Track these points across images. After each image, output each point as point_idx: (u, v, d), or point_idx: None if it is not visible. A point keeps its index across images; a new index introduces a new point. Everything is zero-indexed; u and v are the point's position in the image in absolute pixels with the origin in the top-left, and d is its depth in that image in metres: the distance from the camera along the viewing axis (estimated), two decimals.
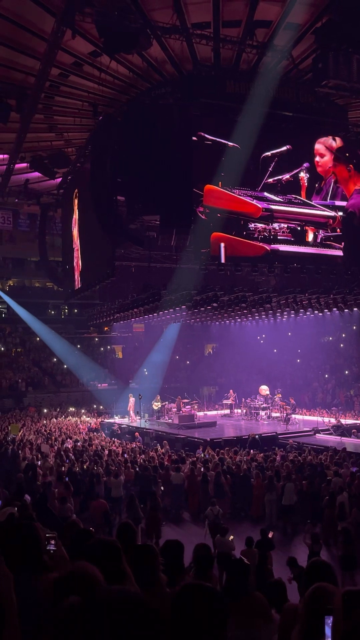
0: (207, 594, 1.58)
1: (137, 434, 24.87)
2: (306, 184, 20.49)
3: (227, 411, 31.56)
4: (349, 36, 15.74)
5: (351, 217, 21.23)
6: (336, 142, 21.03)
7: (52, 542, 3.34)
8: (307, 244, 20.65)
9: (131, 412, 29.33)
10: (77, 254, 25.14)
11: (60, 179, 25.72)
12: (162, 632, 1.43)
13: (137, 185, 18.61)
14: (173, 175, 17.77)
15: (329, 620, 1.75)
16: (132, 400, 29.38)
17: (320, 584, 1.67)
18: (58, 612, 1.60)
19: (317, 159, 20.72)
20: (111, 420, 30.15)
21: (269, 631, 3.82)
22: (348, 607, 1.25)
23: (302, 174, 20.47)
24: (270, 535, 9.56)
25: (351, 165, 21.46)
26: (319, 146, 20.78)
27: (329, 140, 20.95)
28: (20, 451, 19.32)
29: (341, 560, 10.21)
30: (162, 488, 15.32)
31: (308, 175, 20.56)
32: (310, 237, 20.62)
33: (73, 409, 34.24)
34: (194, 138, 18.42)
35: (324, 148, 20.85)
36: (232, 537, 9.83)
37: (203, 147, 18.59)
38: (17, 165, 23.53)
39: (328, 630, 1.78)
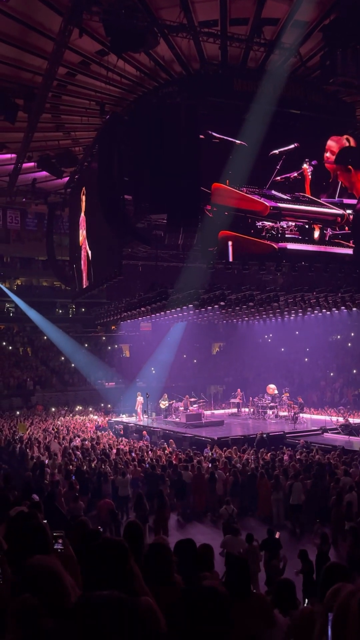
0: (216, 596, 1.57)
1: (144, 432, 24.89)
2: (310, 176, 20.39)
3: (235, 410, 31.51)
4: (357, 33, 15.66)
5: None
6: (349, 143, 20.93)
7: (60, 541, 3.35)
8: (314, 242, 20.57)
9: (139, 410, 29.37)
10: (84, 253, 25.18)
11: (68, 178, 25.77)
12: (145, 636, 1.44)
13: (145, 184, 18.60)
14: (180, 174, 17.74)
15: (330, 618, 1.73)
16: (140, 399, 29.41)
17: (342, 584, 1.65)
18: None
19: (328, 154, 20.62)
20: (118, 419, 30.19)
21: (270, 635, 3.77)
22: None
23: (305, 165, 20.36)
24: (277, 536, 9.54)
25: None
26: (331, 143, 20.68)
27: (342, 139, 20.85)
28: (28, 450, 19.38)
29: (349, 560, 10.16)
30: (168, 487, 15.32)
31: (312, 168, 20.46)
32: (317, 235, 20.54)
33: (80, 408, 34.33)
34: (202, 136, 18.39)
35: (337, 146, 20.75)
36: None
37: (211, 145, 18.57)
38: (25, 165, 23.60)
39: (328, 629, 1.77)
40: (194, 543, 4.29)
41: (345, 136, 20.98)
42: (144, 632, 1.49)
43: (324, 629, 1.49)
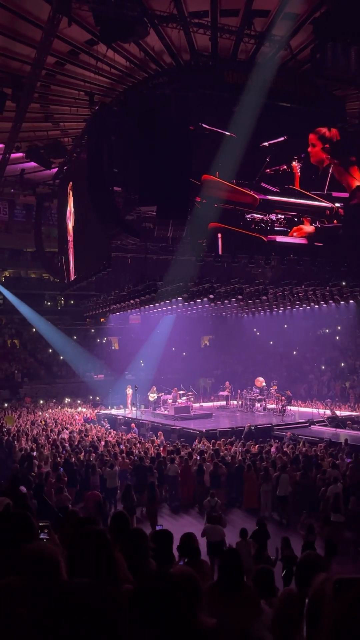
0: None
1: (133, 425, 24.92)
2: (299, 172, 20.41)
3: (223, 403, 31.62)
4: (347, 27, 15.67)
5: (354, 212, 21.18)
6: (330, 132, 20.91)
7: (45, 531, 3.35)
8: (304, 235, 20.62)
9: (129, 403, 29.39)
10: (72, 244, 25.05)
11: (57, 169, 25.57)
12: (115, 624, 1.45)
13: (134, 175, 18.52)
14: (170, 166, 17.68)
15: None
16: (130, 391, 29.43)
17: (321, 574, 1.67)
18: None
19: (310, 148, 20.64)
20: (107, 412, 30.18)
21: (261, 623, 3.83)
22: (338, 594, 1.25)
23: (294, 163, 20.38)
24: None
25: (353, 158, 21.40)
26: (311, 136, 20.69)
27: (322, 130, 20.84)
28: (15, 442, 19.34)
29: (325, 547, 10.32)
30: (156, 478, 15.38)
31: (301, 165, 20.47)
32: (307, 228, 20.59)
33: (69, 400, 34.27)
34: (192, 128, 18.32)
35: (316, 138, 20.77)
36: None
37: (201, 137, 18.50)
38: (13, 155, 23.37)
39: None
40: (171, 534, 4.34)
41: (325, 128, 20.88)
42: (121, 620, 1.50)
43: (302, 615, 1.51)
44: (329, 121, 20.95)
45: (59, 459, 16.26)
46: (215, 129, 18.68)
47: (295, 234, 20.44)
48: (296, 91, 19.60)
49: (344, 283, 23.06)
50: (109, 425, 26.35)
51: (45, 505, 10.81)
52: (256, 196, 19.57)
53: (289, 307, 28.53)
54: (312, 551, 4.21)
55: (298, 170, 20.41)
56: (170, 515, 14.86)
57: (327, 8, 15.67)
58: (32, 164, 24.38)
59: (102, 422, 26.94)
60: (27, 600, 1.69)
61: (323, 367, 34.85)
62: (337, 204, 21.13)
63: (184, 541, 5.10)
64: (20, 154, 23.64)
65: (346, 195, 21.38)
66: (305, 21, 16.67)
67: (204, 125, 18.71)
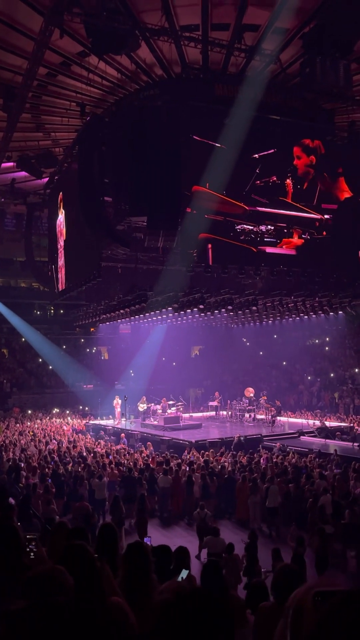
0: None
1: (122, 435, 24.79)
2: (292, 189, 20.61)
3: (213, 413, 31.59)
4: (336, 42, 15.89)
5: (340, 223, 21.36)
6: (313, 143, 21.11)
7: (33, 544, 3.32)
8: (293, 246, 20.76)
9: (117, 413, 29.25)
10: (63, 254, 25.02)
11: (47, 178, 25.60)
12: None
13: (125, 186, 18.59)
14: (161, 177, 17.77)
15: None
16: (117, 401, 29.30)
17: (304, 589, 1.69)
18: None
19: (295, 160, 20.83)
20: (96, 422, 30.03)
21: (242, 635, 3.81)
22: (318, 606, 1.27)
23: (288, 180, 20.58)
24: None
25: (340, 169, 21.63)
26: (296, 148, 20.89)
27: (305, 142, 21.04)
28: (3, 452, 19.16)
29: (316, 560, 10.32)
30: (146, 490, 15.29)
31: (294, 181, 20.67)
32: (296, 239, 20.74)
33: (57, 410, 34.06)
34: (182, 139, 18.43)
35: (301, 150, 20.97)
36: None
37: (191, 148, 18.61)
38: (4, 165, 23.37)
39: None
40: (170, 548, 4.31)
41: (308, 140, 21.06)
42: (106, 634, 1.49)
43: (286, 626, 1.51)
44: (318, 134, 21.18)
45: (46, 470, 16.13)
46: (205, 141, 18.81)
47: (284, 245, 20.57)
48: (286, 104, 19.82)
49: (333, 294, 23.21)
50: (108, 437, 25.92)
51: (33, 517, 10.71)
52: (246, 207, 19.70)
53: (278, 318, 28.65)
54: (288, 564, 4.22)
55: (291, 187, 20.59)
56: (160, 527, 14.76)
57: (316, 23, 15.89)
58: (23, 173, 24.39)
59: (101, 433, 26.40)
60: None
61: (312, 378, 34.97)
62: (326, 216, 21.32)
63: (177, 555, 5.05)
64: (11, 164, 23.64)
65: (335, 207, 21.57)
66: (294, 36, 16.90)
67: (194, 136, 18.84)
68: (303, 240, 20.84)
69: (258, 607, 3.57)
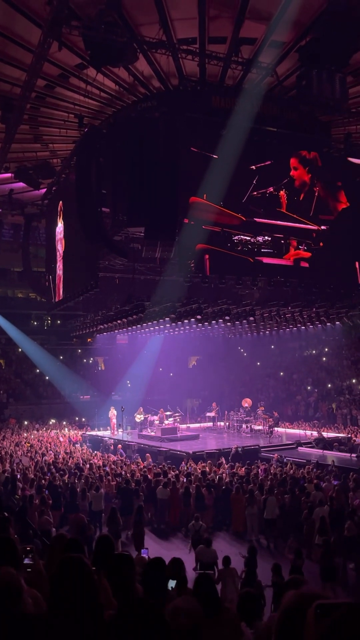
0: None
1: (119, 446, 24.67)
2: (286, 200, 20.72)
3: (210, 424, 31.48)
4: (332, 55, 16.06)
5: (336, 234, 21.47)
6: (310, 155, 21.26)
7: (30, 556, 3.28)
8: (290, 254, 20.83)
9: (112, 424, 29.13)
10: (60, 264, 25.04)
11: (45, 189, 25.68)
12: None
13: (122, 197, 18.65)
14: (158, 188, 17.84)
15: None
16: (113, 412, 29.19)
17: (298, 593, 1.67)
18: None
19: (292, 171, 20.96)
20: (92, 433, 29.89)
21: None
22: (319, 618, 1.25)
23: (282, 191, 20.70)
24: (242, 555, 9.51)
25: (339, 183, 21.78)
26: (292, 160, 21.03)
27: (302, 153, 21.20)
28: (0, 464, 19.03)
29: (320, 571, 10.24)
30: (143, 501, 15.19)
31: (288, 191, 20.78)
32: (293, 249, 20.81)
33: (54, 421, 33.90)
34: (179, 151, 18.52)
35: (297, 161, 21.11)
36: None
37: (188, 159, 18.71)
38: (2, 175, 23.45)
39: None
40: (164, 561, 4.26)
41: (305, 151, 21.21)
42: None
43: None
44: (315, 146, 21.33)
45: (43, 481, 16.02)
46: (202, 152, 18.92)
47: (283, 257, 20.63)
48: (282, 116, 19.97)
49: (330, 305, 23.25)
50: (122, 451, 25.49)
51: (29, 529, 10.62)
52: (243, 218, 19.77)
53: (275, 328, 28.65)
54: (298, 575, 4.17)
55: (286, 198, 20.70)
56: (157, 539, 14.64)
57: (312, 37, 16.06)
58: (21, 184, 24.47)
59: (106, 443, 26.11)
60: None
61: (309, 388, 34.92)
62: (323, 227, 21.41)
63: (171, 568, 5.00)
64: (9, 175, 23.72)
65: (331, 217, 21.68)
66: (291, 49, 17.07)
67: (192, 148, 18.94)
68: (301, 251, 20.90)
69: (264, 622, 3.53)
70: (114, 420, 29.06)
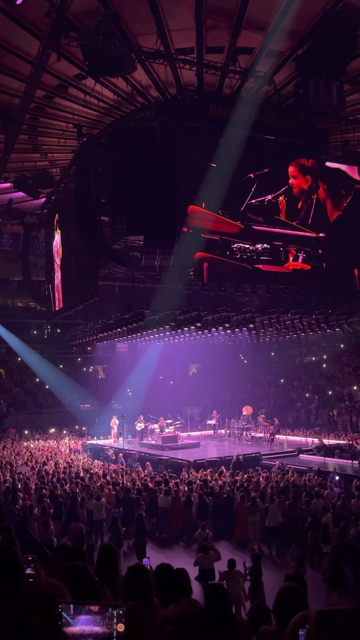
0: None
1: (120, 455, 24.61)
2: (285, 207, 20.80)
3: (211, 432, 31.41)
4: (329, 64, 16.17)
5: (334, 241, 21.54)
6: (308, 163, 21.37)
7: (32, 565, 3.27)
8: (289, 264, 20.88)
9: (114, 433, 29.08)
10: (60, 273, 25.08)
11: (44, 199, 25.77)
12: None
13: (121, 205, 18.71)
14: (157, 197, 17.90)
15: (302, 632, 1.76)
16: (115, 421, 29.13)
17: (307, 612, 1.68)
18: None
19: (291, 180, 21.05)
20: (93, 442, 29.81)
21: None
22: (321, 623, 1.25)
23: (280, 198, 20.78)
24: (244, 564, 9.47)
25: (342, 191, 21.87)
26: (291, 168, 21.12)
27: (301, 161, 21.29)
28: (0, 474, 18.96)
29: (329, 578, 10.19)
30: (144, 510, 15.13)
31: (287, 199, 20.87)
32: (292, 257, 20.87)
33: (54, 430, 33.81)
34: (178, 160, 18.61)
35: (297, 170, 21.20)
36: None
37: (187, 168, 18.79)
38: (1, 185, 23.55)
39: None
40: (172, 567, 4.23)
41: (304, 159, 21.30)
42: None
43: None
44: (312, 153, 21.44)
45: (43, 490, 15.96)
46: (201, 161, 19.01)
47: (282, 264, 20.68)
48: (280, 124, 20.09)
49: (329, 311, 23.27)
50: (114, 456, 25.39)
51: (29, 539, 10.57)
52: (242, 226, 19.84)
53: (275, 335, 28.64)
54: (290, 583, 4.12)
55: (285, 204, 20.79)
56: (158, 548, 14.56)
57: (309, 46, 16.19)
58: (20, 194, 24.56)
59: (108, 453, 25.96)
60: None
61: (309, 396, 34.87)
62: (321, 234, 21.47)
63: (177, 577, 4.92)
64: (8, 184, 23.81)
65: (329, 225, 21.75)
66: (288, 58, 17.19)
67: (190, 157, 19.03)
68: (300, 258, 20.95)
69: (259, 630, 3.48)
70: (115, 429, 28.98)
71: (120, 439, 28.55)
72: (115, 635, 2.09)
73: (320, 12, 15.04)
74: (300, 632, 1.67)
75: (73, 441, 30.33)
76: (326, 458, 22.60)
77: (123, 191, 18.51)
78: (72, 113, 19.37)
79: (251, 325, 24.57)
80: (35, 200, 25.38)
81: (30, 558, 3.31)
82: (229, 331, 25.58)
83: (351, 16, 14.98)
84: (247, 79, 18.10)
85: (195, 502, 15.15)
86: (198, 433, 31.84)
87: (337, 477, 17.94)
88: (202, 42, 16.53)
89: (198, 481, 17.33)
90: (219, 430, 31.11)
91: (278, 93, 18.98)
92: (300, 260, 21.00)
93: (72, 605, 2.13)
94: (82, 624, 2.12)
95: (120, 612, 2.13)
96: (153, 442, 27.11)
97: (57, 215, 24.99)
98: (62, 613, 2.13)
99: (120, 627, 2.11)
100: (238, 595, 9.05)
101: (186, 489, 16.17)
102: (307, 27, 15.76)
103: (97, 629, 2.11)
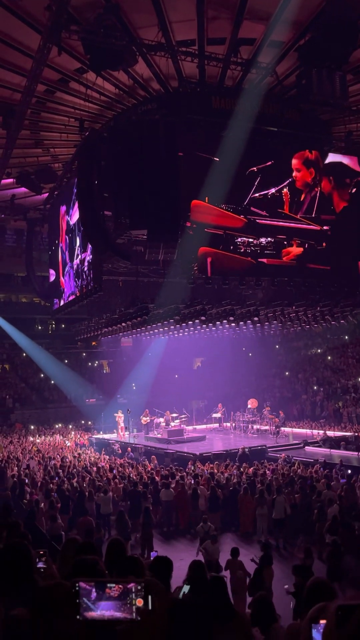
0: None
1: (129, 449, 24.70)
2: (289, 200, 20.71)
3: (216, 425, 31.45)
4: (331, 54, 16.04)
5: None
6: (312, 155, 21.25)
7: (43, 559, 3.29)
8: (293, 257, 20.82)
9: (120, 427, 29.16)
10: (63, 268, 25.05)
11: (47, 194, 25.73)
12: None
13: (124, 200, 18.66)
14: (160, 190, 17.85)
15: (319, 627, 1.75)
16: (120, 415, 29.19)
17: (327, 603, 1.66)
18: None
19: (294, 173, 20.94)
20: (99, 436, 29.90)
21: None
22: (341, 620, 1.25)
23: (285, 189, 20.69)
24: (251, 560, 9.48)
25: (349, 181, 21.75)
26: (295, 161, 21.00)
27: (305, 153, 21.18)
28: (7, 469, 19.06)
29: (328, 571, 10.22)
30: (151, 504, 15.19)
31: (291, 191, 20.77)
32: (296, 249, 20.80)
33: (60, 425, 33.93)
34: (180, 153, 18.54)
35: (300, 162, 21.09)
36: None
37: (190, 162, 18.71)
38: (4, 181, 23.49)
39: (317, 636, 1.78)
40: (170, 561, 4.22)
41: (306, 150, 21.17)
42: None
43: None
44: (316, 145, 21.32)
45: (51, 485, 16.03)
46: (203, 154, 18.93)
47: (284, 257, 20.62)
48: (282, 116, 19.97)
49: (334, 303, 23.21)
50: (120, 450, 25.46)
51: (38, 533, 10.63)
52: (245, 220, 19.77)
53: (280, 328, 28.60)
54: (321, 578, 4.11)
55: (289, 197, 20.71)
56: (163, 541, 14.63)
57: (311, 36, 16.05)
58: (23, 189, 24.51)
59: (114, 447, 26.07)
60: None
61: (315, 387, 34.85)
62: (325, 227, 21.38)
63: (194, 572, 4.85)
64: (10, 180, 23.77)
65: (333, 217, 21.65)
66: (290, 49, 17.05)
67: (192, 150, 18.94)
68: (303, 250, 20.88)
69: (287, 627, 3.46)
70: (122, 424, 29.05)
71: (126, 433, 28.63)
72: (134, 611, 2.14)
73: (323, 2, 14.90)
74: (315, 628, 1.66)
75: (79, 435, 30.44)
76: (332, 450, 22.62)
77: (126, 185, 18.45)
78: (74, 107, 19.29)
79: (255, 318, 24.53)
80: (37, 195, 25.33)
81: (41, 552, 3.33)
82: (233, 324, 25.58)
83: (354, 5, 14.84)
84: (249, 71, 17.97)
85: (203, 494, 15.20)
86: (203, 426, 31.91)
87: (349, 471, 17.93)
88: (204, 34, 16.40)
89: (206, 473, 17.38)
90: (225, 424, 31.15)
91: (281, 84, 18.84)
92: (304, 252, 20.94)
93: (93, 591, 2.18)
94: (103, 609, 2.17)
95: (139, 587, 2.18)
96: (159, 435, 27.19)
97: (60, 210, 24.89)
98: (83, 598, 2.18)
99: (140, 602, 2.15)
100: (240, 584, 9.09)
101: (192, 482, 16.21)
102: (309, 17, 15.61)
103: (118, 614, 2.15)
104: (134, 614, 2.16)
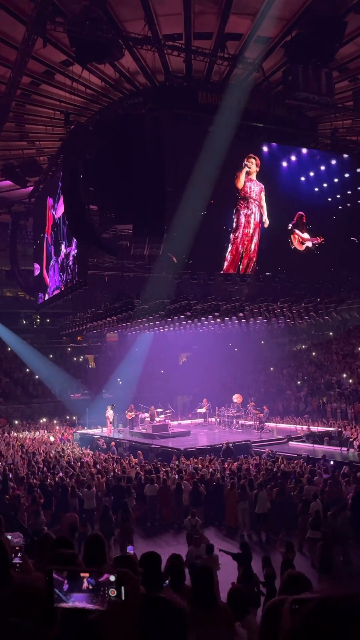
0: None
1: (113, 444, 24.66)
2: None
3: (201, 420, 31.53)
4: (318, 50, 16.09)
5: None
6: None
7: (19, 555, 3.27)
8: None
9: (109, 423, 29.08)
10: (48, 263, 24.88)
11: (32, 187, 25.53)
12: None
13: (110, 194, 18.58)
14: (145, 184, 17.79)
15: None
16: (110, 412, 29.10)
17: (282, 597, 1.67)
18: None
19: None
20: (83, 431, 29.82)
21: None
22: (293, 614, 1.26)
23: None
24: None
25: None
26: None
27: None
28: None
29: (320, 564, 10.34)
30: (135, 499, 15.18)
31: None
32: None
33: (45, 420, 33.78)
34: (166, 147, 18.46)
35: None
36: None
37: (176, 156, 18.65)
38: None
39: None
40: (159, 556, 4.25)
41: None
42: None
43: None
44: (301, 141, 21.38)
45: (34, 480, 15.96)
46: (190, 148, 18.87)
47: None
48: (269, 112, 19.99)
49: (318, 299, 23.35)
50: (105, 445, 25.34)
51: (19, 529, 10.59)
52: (233, 215, 19.78)
53: (265, 324, 28.69)
54: (297, 571, 4.19)
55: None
56: (147, 536, 14.64)
57: (297, 32, 16.08)
58: (7, 182, 24.29)
59: (99, 442, 25.94)
60: None
61: (299, 383, 35.07)
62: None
63: (172, 564, 4.95)
64: None
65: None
66: (276, 45, 17.08)
67: (178, 145, 18.87)
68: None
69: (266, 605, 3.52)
70: (111, 420, 28.92)
71: (112, 428, 28.57)
72: (107, 602, 2.15)
73: None
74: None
75: (64, 431, 30.33)
76: (315, 445, 22.79)
77: (112, 179, 18.37)
78: (59, 100, 19.15)
79: (241, 314, 24.58)
80: (22, 188, 25.12)
81: (17, 547, 3.31)
82: (218, 320, 25.59)
83: (340, 2, 14.88)
84: (235, 66, 17.98)
85: (187, 489, 15.23)
86: (188, 421, 31.95)
87: (331, 462, 18.09)
88: (190, 28, 16.36)
89: (190, 467, 17.42)
90: (209, 419, 31.23)
91: (267, 80, 18.86)
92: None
93: (65, 582, 2.17)
94: (76, 600, 2.17)
95: (112, 578, 2.18)
96: (144, 430, 27.17)
97: (46, 203, 24.68)
98: (55, 590, 2.18)
99: (112, 592, 2.15)
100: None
101: (176, 477, 16.25)
102: (296, 13, 15.64)
103: (91, 605, 2.16)
104: (107, 605, 2.16)
